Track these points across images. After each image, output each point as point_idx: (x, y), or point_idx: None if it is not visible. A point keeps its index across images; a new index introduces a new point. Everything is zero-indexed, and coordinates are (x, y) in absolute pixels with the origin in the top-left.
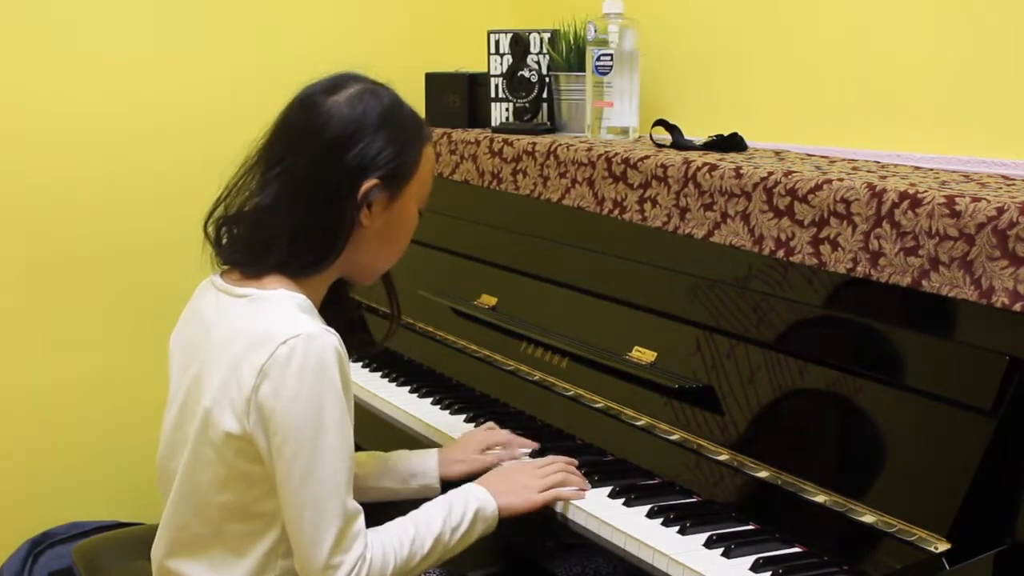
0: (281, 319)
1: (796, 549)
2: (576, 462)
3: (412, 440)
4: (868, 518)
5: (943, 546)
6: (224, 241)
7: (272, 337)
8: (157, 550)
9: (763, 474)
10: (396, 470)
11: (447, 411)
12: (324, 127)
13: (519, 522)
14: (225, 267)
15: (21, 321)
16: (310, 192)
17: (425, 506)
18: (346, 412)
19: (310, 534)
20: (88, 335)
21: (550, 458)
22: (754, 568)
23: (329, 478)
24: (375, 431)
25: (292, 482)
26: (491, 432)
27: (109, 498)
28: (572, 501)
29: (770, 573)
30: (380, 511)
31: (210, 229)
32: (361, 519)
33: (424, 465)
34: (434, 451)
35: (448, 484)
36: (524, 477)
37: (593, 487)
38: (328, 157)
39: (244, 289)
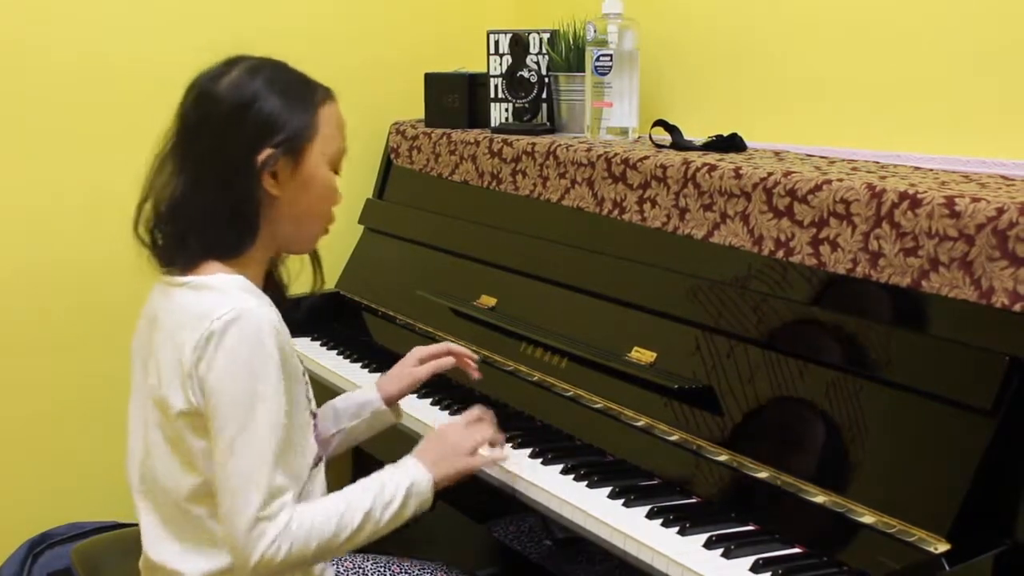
0: (218, 297)
1: (796, 550)
2: (492, 414)
3: (411, 440)
4: (868, 518)
5: (943, 547)
6: (159, 243)
7: (209, 313)
8: (144, 549)
9: (763, 474)
10: (344, 410)
11: (446, 411)
12: (212, 112)
13: (519, 522)
14: (165, 268)
15: (21, 320)
16: (213, 176)
17: (359, 481)
18: (280, 386)
19: (235, 501)
20: (88, 334)
21: (476, 411)
22: (754, 569)
23: (257, 449)
24: None
25: (220, 449)
26: (428, 347)
27: (108, 498)
28: (566, 498)
29: (770, 574)
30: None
31: (142, 233)
32: (289, 494)
33: (366, 395)
34: (372, 380)
35: (394, 404)
36: (454, 438)
37: (593, 488)
38: (221, 138)
39: (184, 278)
